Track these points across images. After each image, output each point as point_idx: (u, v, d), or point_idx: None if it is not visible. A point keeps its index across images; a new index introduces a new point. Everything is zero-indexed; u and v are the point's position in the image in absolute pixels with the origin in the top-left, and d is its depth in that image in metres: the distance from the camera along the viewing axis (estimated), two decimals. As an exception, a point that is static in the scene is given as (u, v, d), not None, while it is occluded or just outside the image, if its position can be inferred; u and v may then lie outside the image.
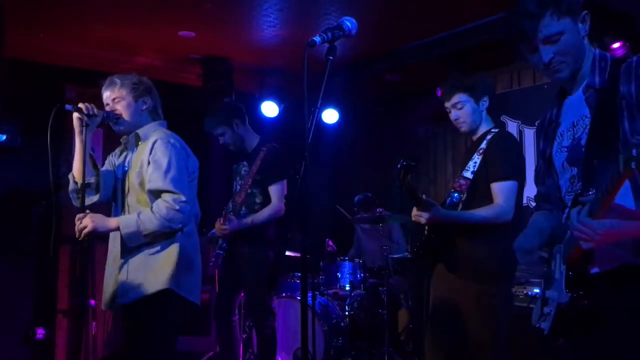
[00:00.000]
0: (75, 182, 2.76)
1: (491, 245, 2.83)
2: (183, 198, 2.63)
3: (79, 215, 2.62)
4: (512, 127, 4.89)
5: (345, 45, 2.14)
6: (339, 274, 4.95)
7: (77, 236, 2.62)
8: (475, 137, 3.04)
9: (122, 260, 2.69)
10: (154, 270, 2.64)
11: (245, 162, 4.04)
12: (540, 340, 1.86)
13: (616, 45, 3.95)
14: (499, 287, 2.86)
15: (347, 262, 4.99)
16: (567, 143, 1.87)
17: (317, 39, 1.99)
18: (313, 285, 4.67)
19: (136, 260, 2.67)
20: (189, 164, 2.78)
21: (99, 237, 2.78)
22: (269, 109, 5.97)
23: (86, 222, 2.59)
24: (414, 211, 2.84)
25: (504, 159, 2.85)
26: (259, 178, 3.91)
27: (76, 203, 2.80)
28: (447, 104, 3.03)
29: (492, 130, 2.98)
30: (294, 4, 4.26)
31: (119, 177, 2.83)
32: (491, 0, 4.12)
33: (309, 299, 2.12)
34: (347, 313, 4.72)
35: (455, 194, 2.93)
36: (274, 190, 3.91)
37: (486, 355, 2.81)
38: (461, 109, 2.99)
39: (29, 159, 4.83)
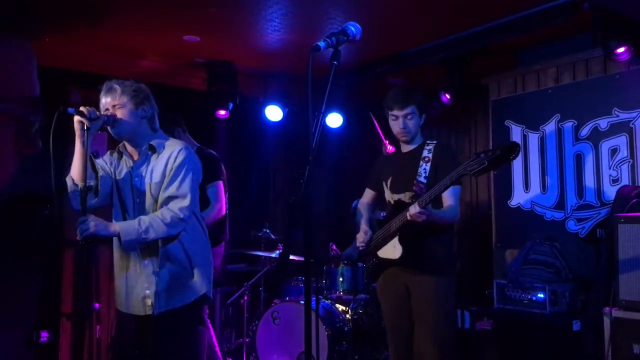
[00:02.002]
0: (75, 185, 2.77)
1: (443, 244, 3.31)
2: (188, 204, 2.72)
3: (81, 218, 2.64)
4: (516, 131, 4.88)
5: (349, 49, 2.14)
6: (342, 278, 4.94)
7: (77, 238, 2.64)
8: (409, 148, 3.43)
9: (157, 269, 2.76)
10: (191, 279, 2.79)
11: None
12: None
13: (621, 50, 3.94)
14: (451, 281, 3.32)
15: (350, 266, 4.98)
16: None
17: (321, 44, 2.01)
18: (316, 289, 4.68)
19: (171, 270, 2.77)
20: (200, 174, 2.91)
21: (100, 241, 2.80)
22: (273, 113, 5.98)
23: (88, 225, 2.61)
24: (417, 209, 3.03)
25: (453, 166, 3.14)
26: None
27: (74, 205, 2.82)
28: (398, 113, 3.35)
29: (429, 141, 3.39)
30: (298, 9, 4.27)
31: (129, 184, 2.86)
32: (495, 4, 4.13)
33: (313, 303, 2.12)
34: (350, 317, 4.71)
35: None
36: (210, 193, 4.12)
37: (443, 339, 3.22)
38: (410, 120, 3.35)
39: (33, 162, 4.84)
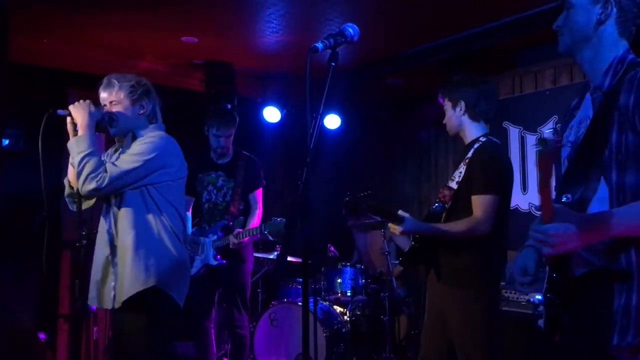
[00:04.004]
0: (71, 187, 2.74)
1: (473, 255, 2.82)
2: (117, 172, 2.57)
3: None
4: (513, 133, 4.88)
5: (347, 50, 2.14)
6: (340, 280, 4.94)
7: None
8: (466, 143, 2.97)
9: (113, 260, 2.68)
10: (141, 269, 2.62)
11: (220, 173, 4.29)
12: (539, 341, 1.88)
13: None
14: (484, 294, 2.84)
15: (348, 268, 4.98)
16: (572, 139, 1.84)
17: (319, 45, 1.99)
18: (314, 291, 4.67)
19: (125, 260, 2.64)
20: (176, 164, 2.74)
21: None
22: (271, 114, 5.98)
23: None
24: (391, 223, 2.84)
25: (483, 173, 2.79)
26: (241, 188, 4.29)
27: (72, 207, 2.79)
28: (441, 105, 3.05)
29: (480, 138, 2.89)
30: (296, 10, 4.27)
31: None
32: (493, 5, 4.14)
33: (311, 304, 2.12)
34: (348, 319, 4.71)
35: (438, 204, 2.92)
36: (255, 198, 4.35)
37: (468, 353, 2.80)
38: (446, 112, 2.99)
39: (31, 163, 4.81)
